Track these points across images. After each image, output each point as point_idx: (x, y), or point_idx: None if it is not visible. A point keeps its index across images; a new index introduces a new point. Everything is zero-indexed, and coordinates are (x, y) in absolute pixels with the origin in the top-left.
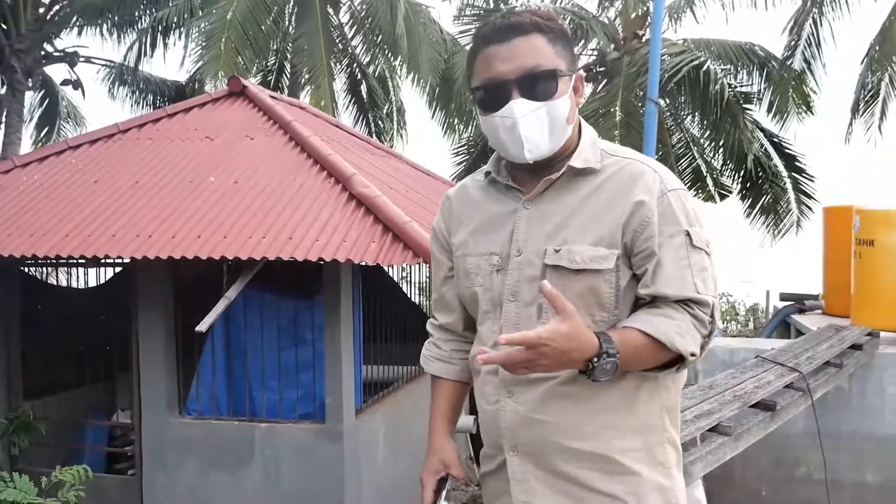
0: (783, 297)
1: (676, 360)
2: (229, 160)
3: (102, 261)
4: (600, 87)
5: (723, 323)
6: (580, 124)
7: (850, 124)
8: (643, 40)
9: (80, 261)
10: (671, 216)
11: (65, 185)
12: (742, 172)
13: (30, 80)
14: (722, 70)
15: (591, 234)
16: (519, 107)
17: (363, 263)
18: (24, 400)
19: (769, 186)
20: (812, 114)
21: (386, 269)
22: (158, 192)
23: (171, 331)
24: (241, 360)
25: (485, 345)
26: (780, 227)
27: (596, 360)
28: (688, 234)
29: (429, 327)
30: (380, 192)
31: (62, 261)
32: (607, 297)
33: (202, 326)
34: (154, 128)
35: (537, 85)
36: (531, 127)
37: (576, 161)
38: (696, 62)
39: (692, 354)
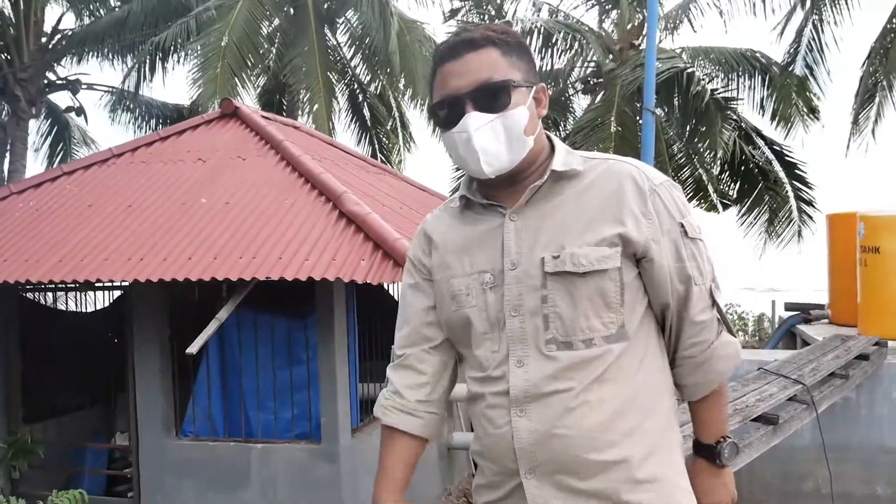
0: (788, 307)
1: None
2: (221, 181)
3: (96, 284)
4: (598, 98)
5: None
6: (549, 137)
7: (852, 132)
8: (640, 49)
9: (71, 285)
10: (664, 213)
11: (59, 211)
12: (739, 181)
13: (33, 108)
14: (711, 76)
15: (591, 236)
16: (473, 120)
17: (349, 282)
18: (24, 424)
19: (769, 195)
20: (817, 119)
21: (385, 286)
22: (151, 215)
23: (167, 353)
24: (236, 380)
25: (485, 368)
26: (781, 236)
27: (719, 464)
28: (682, 227)
29: (389, 372)
30: (370, 210)
31: (58, 285)
32: (613, 296)
33: (192, 349)
34: (147, 151)
35: (489, 97)
36: (486, 139)
37: (556, 165)
38: (678, 67)
39: (737, 359)
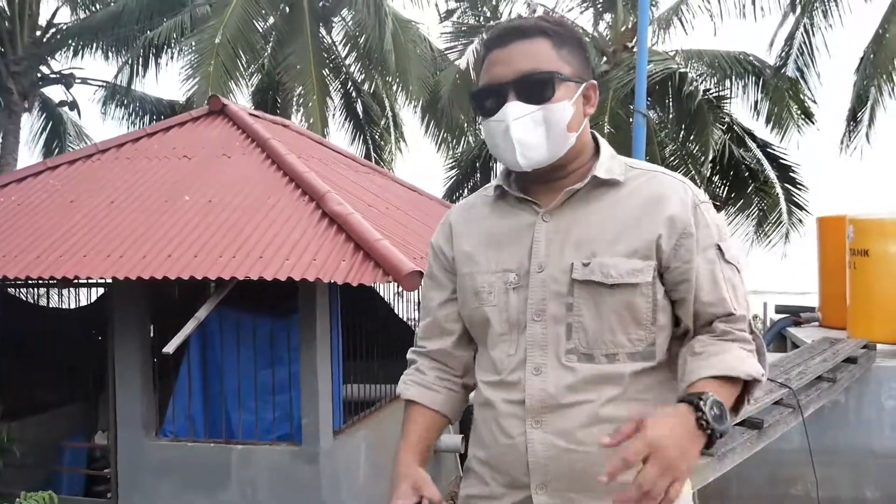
0: (779, 310)
1: (743, 393)
2: (205, 179)
3: (76, 281)
4: None
5: None
6: (596, 138)
7: (846, 134)
8: (633, 52)
9: (50, 281)
10: (704, 229)
11: (41, 206)
12: (729, 183)
13: (26, 101)
14: (704, 78)
15: (623, 246)
16: (512, 109)
17: (332, 282)
18: (2, 421)
19: (759, 197)
20: (812, 123)
21: (375, 286)
22: (133, 212)
23: (148, 352)
24: (217, 380)
25: (499, 371)
26: (769, 238)
27: (697, 410)
28: (719, 248)
29: (411, 356)
30: (353, 210)
31: (37, 282)
32: (644, 312)
33: (169, 348)
34: (133, 147)
35: (533, 88)
36: (524, 130)
37: (599, 171)
38: (671, 69)
39: (762, 374)
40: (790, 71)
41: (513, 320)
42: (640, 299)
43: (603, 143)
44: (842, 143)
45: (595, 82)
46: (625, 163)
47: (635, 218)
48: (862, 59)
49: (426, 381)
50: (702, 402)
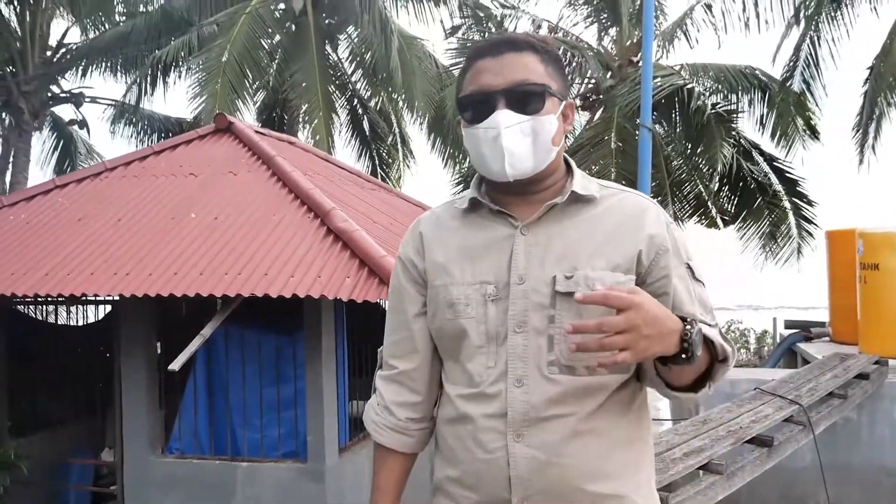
0: (788, 325)
1: (704, 377)
2: (211, 196)
3: (83, 298)
4: (597, 115)
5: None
6: (567, 158)
7: (859, 148)
8: (638, 66)
9: (58, 299)
10: (675, 250)
11: (49, 224)
12: (737, 197)
13: (36, 120)
14: (711, 92)
15: (604, 261)
16: (504, 117)
17: (337, 299)
18: (11, 438)
19: (768, 211)
20: (817, 138)
21: (381, 302)
22: (140, 230)
23: (154, 369)
24: (223, 397)
25: (476, 384)
26: (780, 252)
27: (689, 326)
28: (689, 267)
29: (379, 382)
30: (358, 227)
31: (46, 299)
32: None
33: (174, 365)
34: (140, 165)
35: (525, 98)
36: (514, 139)
37: (577, 187)
38: (677, 83)
39: (731, 354)
40: (796, 84)
41: (491, 332)
42: None
43: (573, 162)
44: (860, 155)
45: (573, 102)
46: (597, 182)
47: (614, 234)
48: (871, 70)
49: (400, 426)
50: (695, 322)
